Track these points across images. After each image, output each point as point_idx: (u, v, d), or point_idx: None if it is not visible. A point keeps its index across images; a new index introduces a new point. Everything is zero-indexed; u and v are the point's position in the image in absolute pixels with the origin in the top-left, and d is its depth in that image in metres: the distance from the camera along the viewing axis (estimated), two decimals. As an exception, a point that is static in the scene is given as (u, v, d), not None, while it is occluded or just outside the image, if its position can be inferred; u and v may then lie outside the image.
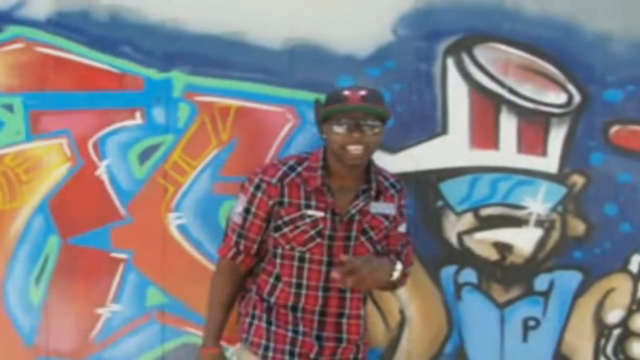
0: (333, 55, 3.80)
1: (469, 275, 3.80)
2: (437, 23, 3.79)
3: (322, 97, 3.63)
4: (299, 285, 3.40)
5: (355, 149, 3.23)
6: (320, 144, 3.45)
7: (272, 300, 3.43)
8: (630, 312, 3.82)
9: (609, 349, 3.83)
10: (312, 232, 3.37)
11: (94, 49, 3.92)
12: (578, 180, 3.76)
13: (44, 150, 3.97)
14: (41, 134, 3.96)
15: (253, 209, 3.43)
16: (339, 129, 3.24)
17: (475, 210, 3.79)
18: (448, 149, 3.78)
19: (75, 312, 3.98)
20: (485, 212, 3.79)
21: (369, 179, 3.43)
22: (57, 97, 3.95)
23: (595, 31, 3.73)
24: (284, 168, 3.41)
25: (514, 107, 3.76)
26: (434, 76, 3.79)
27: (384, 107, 3.30)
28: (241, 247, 3.48)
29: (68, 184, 3.96)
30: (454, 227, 3.81)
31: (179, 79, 3.88)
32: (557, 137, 3.76)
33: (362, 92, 3.26)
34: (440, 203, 3.81)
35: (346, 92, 3.27)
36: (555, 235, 3.78)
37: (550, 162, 3.77)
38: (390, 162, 3.73)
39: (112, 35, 3.92)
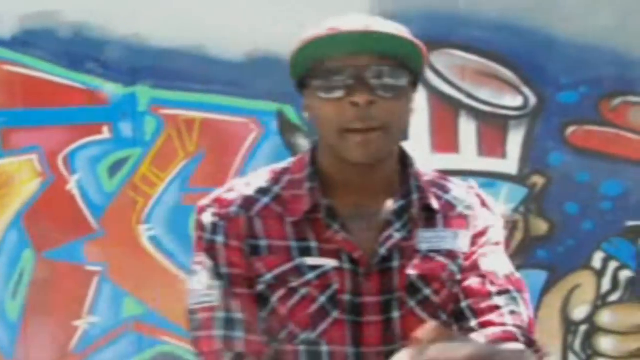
0: (293, 65, 3.83)
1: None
2: (395, 29, 3.82)
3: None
4: None
5: (363, 129, 1.64)
6: (287, 155, 3.45)
7: None
8: (595, 308, 3.87)
9: (577, 345, 3.89)
10: (323, 299, 1.72)
11: (60, 66, 3.98)
12: (538, 180, 3.81)
13: (16, 166, 4.03)
14: (12, 150, 4.04)
15: (225, 269, 1.75)
16: (328, 94, 1.67)
17: (438, 214, 3.82)
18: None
19: (53, 325, 4.05)
20: (447, 215, 3.82)
21: (408, 190, 1.78)
22: (27, 114, 4.01)
23: (547, 35, 3.75)
24: (247, 190, 1.80)
25: (473, 111, 3.80)
26: (393, 82, 3.82)
27: (411, 40, 1.68)
28: (238, 345, 1.69)
29: (40, 199, 4.02)
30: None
31: (144, 93, 3.93)
32: (515, 139, 3.80)
33: (362, 21, 1.68)
34: (403, 208, 3.84)
35: (333, 23, 1.69)
36: (518, 235, 3.83)
37: (510, 164, 3.82)
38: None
39: (77, 51, 3.97)
